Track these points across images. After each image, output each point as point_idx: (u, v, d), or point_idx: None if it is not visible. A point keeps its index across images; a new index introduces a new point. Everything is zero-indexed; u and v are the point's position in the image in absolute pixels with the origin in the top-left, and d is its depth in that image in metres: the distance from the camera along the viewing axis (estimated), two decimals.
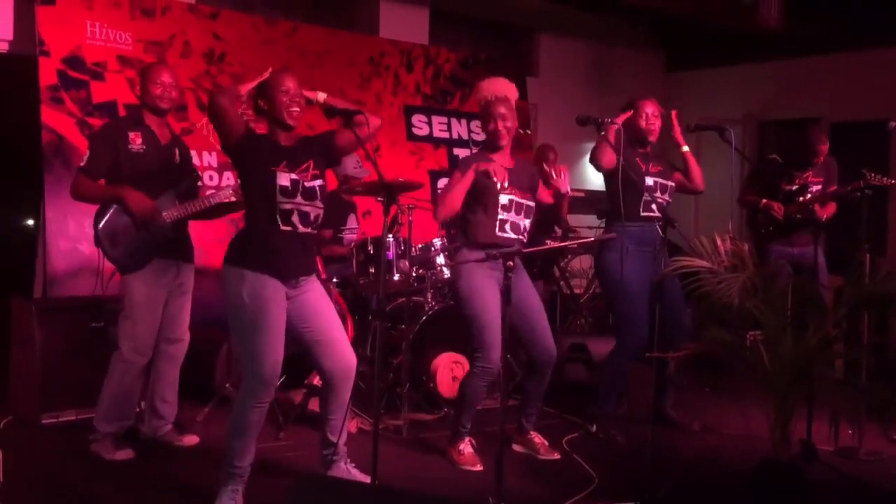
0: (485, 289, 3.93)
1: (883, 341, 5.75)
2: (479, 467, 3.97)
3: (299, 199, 3.30)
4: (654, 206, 4.36)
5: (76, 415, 4.32)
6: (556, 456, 4.15)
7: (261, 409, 3.30)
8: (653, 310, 4.15)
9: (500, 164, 3.95)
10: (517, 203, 4.00)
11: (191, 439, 4.15)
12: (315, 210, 3.38)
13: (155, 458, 3.97)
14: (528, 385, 4.23)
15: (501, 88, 4.02)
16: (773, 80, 8.07)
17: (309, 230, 3.38)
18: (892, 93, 7.12)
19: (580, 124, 4.12)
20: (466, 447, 4.06)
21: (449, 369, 4.82)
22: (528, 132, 7.40)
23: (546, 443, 4.20)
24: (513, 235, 3.99)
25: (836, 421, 4.14)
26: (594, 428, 4.51)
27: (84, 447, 3.95)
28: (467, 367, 4.84)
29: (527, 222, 4.06)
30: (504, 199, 3.95)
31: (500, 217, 3.96)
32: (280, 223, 3.29)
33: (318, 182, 3.40)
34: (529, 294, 4.07)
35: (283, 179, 3.27)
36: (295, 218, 3.31)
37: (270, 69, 3.41)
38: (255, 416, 3.30)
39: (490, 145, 4.06)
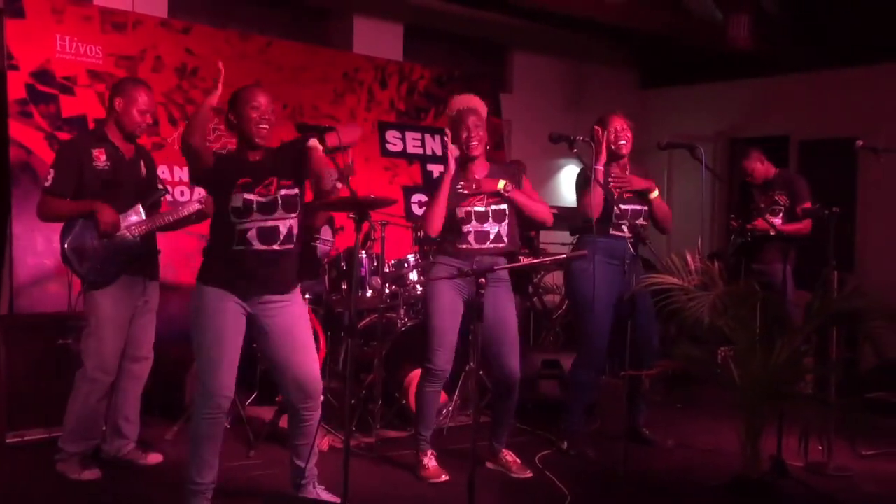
0: (442, 294, 3.97)
1: (852, 356, 5.81)
2: (444, 478, 3.99)
3: (256, 216, 3.27)
4: (624, 227, 4.37)
5: (42, 434, 4.24)
6: (529, 474, 4.12)
7: (211, 420, 3.27)
8: (624, 326, 4.17)
9: (473, 176, 3.98)
10: (478, 213, 3.97)
11: (154, 458, 4.09)
12: (283, 223, 3.32)
13: (121, 477, 3.90)
14: (495, 406, 4.23)
15: (471, 101, 4.06)
16: (744, 98, 8.17)
17: (271, 248, 3.31)
18: (859, 111, 7.24)
19: (553, 142, 4.14)
20: (430, 461, 4.06)
21: None
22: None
23: (518, 461, 4.18)
24: (476, 245, 3.97)
25: (806, 437, 4.17)
26: (565, 445, 4.51)
27: (50, 467, 3.88)
28: None
29: (498, 228, 3.99)
30: (460, 211, 3.95)
31: (462, 229, 3.96)
32: (235, 243, 3.28)
33: (283, 192, 3.32)
34: (505, 313, 4.04)
35: (236, 200, 3.26)
36: (251, 235, 3.27)
37: (221, 64, 3.29)
38: (205, 427, 3.28)
39: (462, 157, 4.03)
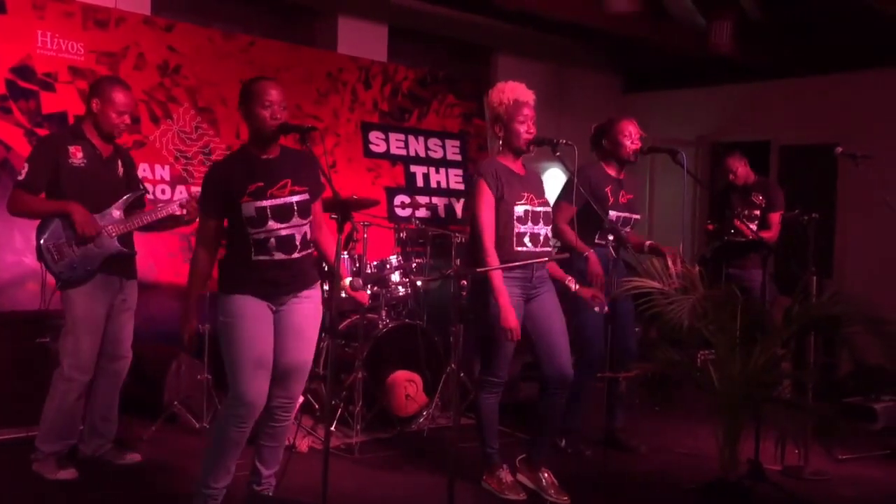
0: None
1: (829, 361, 5.87)
2: (522, 496, 3.81)
3: (272, 224, 3.15)
4: (609, 237, 4.38)
5: (19, 433, 4.19)
6: (566, 499, 3.82)
7: (242, 430, 3.19)
8: (606, 328, 4.18)
9: (520, 177, 3.82)
10: (533, 212, 3.77)
11: (133, 458, 4.07)
12: (298, 231, 3.21)
13: (98, 477, 3.87)
14: (539, 407, 3.92)
15: (523, 92, 3.84)
16: (725, 103, 8.22)
17: (292, 256, 3.21)
18: (839, 118, 7.31)
19: (536, 145, 4.14)
20: (506, 475, 3.88)
21: (402, 388, 4.79)
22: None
23: (556, 483, 3.90)
24: (532, 248, 3.74)
25: (783, 441, 4.20)
26: (563, 443, 4.51)
27: (26, 466, 3.84)
28: (421, 385, 4.84)
29: (546, 230, 3.83)
30: (519, 210, 3.72)
31: (517, 230, 3.73)
32: (253, 253, 3.16)
33: (296, 198, 3.20)
34: (553, 312, 3.87)
35: (248, 210, 3.12)
36: (272, 244, 3.16)
37: None
38: (235, 435, 3.19)
39: (514, 150, 3.83)
